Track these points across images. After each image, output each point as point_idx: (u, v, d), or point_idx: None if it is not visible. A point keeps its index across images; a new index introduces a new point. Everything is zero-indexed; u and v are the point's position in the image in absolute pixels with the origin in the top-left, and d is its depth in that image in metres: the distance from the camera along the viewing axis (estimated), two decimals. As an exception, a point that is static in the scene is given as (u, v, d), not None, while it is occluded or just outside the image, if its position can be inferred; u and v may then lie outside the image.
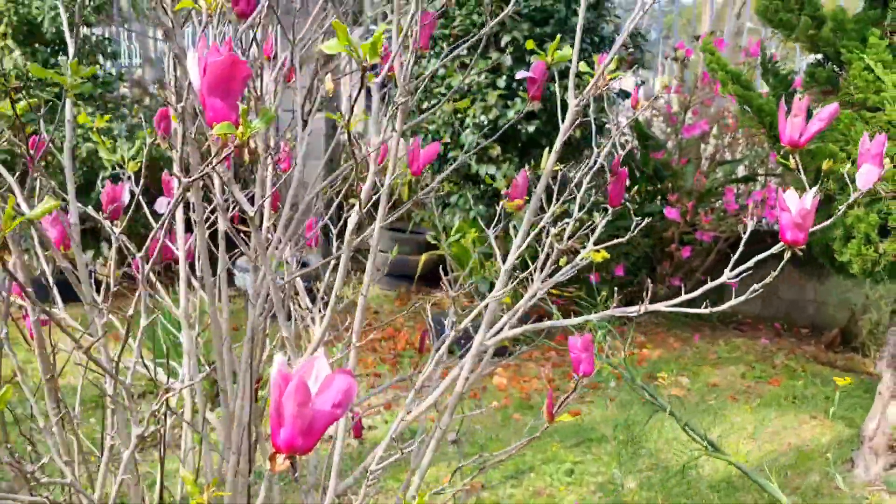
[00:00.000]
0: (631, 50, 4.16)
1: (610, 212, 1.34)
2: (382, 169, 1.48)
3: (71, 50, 1.35)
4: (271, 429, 0.62)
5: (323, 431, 0.62)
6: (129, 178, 1.70)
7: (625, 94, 4.05)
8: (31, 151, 1.57)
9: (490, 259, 4.61)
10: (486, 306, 1.26)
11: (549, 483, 2.62)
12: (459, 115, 3.67)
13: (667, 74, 5.14)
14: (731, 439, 3.04)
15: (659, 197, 4.70)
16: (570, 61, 1.45)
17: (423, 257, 5.07)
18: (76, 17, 1.43)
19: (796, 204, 1.10)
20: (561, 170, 1.43)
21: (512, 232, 1.42)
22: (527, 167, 1.66)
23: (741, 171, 4.85)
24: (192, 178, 0.75)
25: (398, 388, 3.16)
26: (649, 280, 4.42)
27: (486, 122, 3.59)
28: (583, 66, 1.42)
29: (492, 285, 4.24)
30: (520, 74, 1.42)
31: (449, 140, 3.70)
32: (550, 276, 1.32)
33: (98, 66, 4.73)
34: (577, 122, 1.29)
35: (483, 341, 1.25)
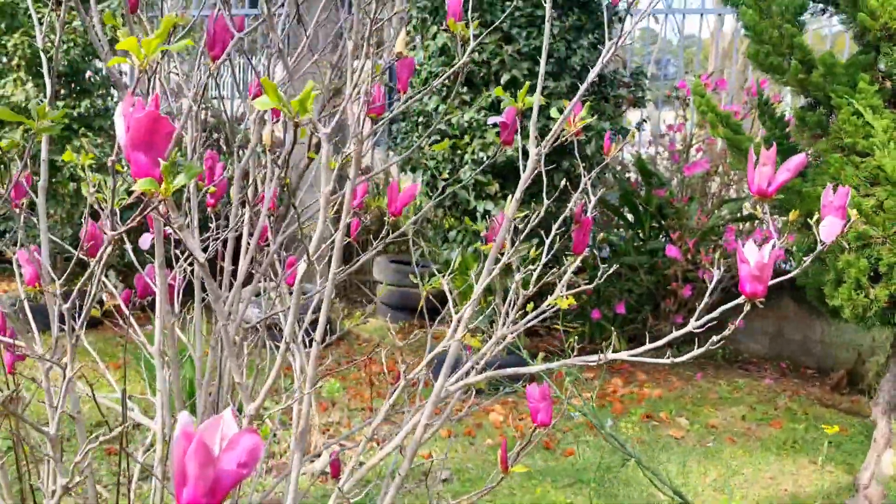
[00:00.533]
0: (632, 89, 4.18)
1: (578, 259, 1.34)
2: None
3: (49, 91, 1.37)
4: (175, 489, 0.62)
5: (228, 491, 0.62)
6: (115, 213, 1.71)
7: (625, 132, 4.06)
8: (20, 184, 1.60)
9: (491, 294, 4.61)
10: (443, 349, 1.26)
11: (537, 526, 2.59)
12: (459, 152, 3.69)
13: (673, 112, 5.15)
14: (726, 482, 2.98)
15: (662, 234, 4.69)
16: (556, 107, 1.46)
17: (425, 290, 5.07)
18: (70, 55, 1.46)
19: (755, 256, 1.10)
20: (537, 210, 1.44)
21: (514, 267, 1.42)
22: (509, 208, 1.66)
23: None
24: (117, 232, 0.76)
25: (394, 421, 3.14)
26: (651, 317, 4.38)
27: (485, 159, 3.61)
28: (554, 113, 1.43)
29: (491, 321, 4.22)
30: (492, 120, 1.43)
31: (448, 175, 3.72)
32: (540, 315, 1.32)
33: (110, 98, 4.82)
34: (539, 159, 1.29)
35: (445, 387, 1.25)
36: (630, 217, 4.84)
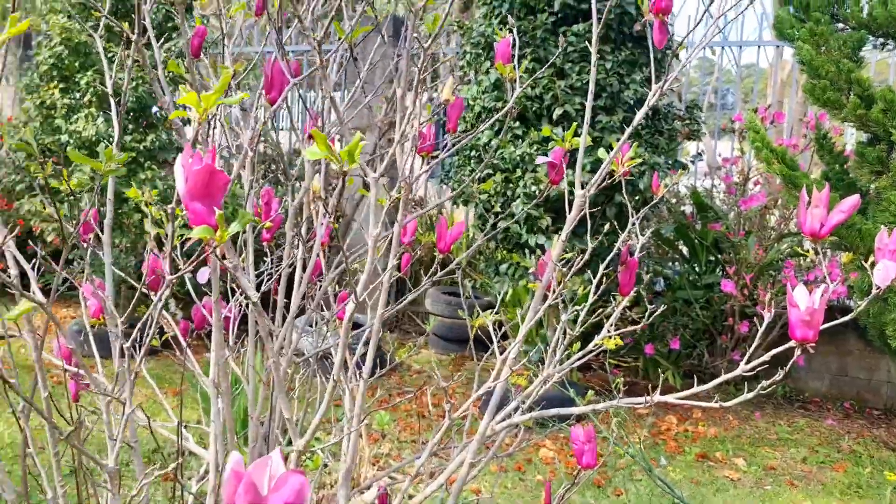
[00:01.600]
0: (687, 122, 4.15)
1: (625, 300, 1.33)
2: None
3: (116, 135, 1.45)
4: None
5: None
6: (174, 252, 1.78)
7: (681, 165, 4.03)
8: (87, 220, 1.68)
9: (541, 327, 4.57)
10: (490, 391, 1.27)
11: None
12: (511, 185, 3.71)
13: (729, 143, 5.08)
14: (785, 529, 2.89)
15: (719, 268, 4.60)
16: (609, 140, 1.47)
17: (477, 322, 5.08)
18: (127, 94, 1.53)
19: (805, 301, 1.08)
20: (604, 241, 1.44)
21: (567, 302, 1.43)
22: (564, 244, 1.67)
23: (808, 243, 4.71)
24: (175, 275, 0.80)
25: (441, 456, 3.14)
26: (708, 353, 4.30)
27: (536, 193, 3.62)
28: (602, 153, 1.43)
29: (541, 359, 4.20)
30: (540, 160, 1.45)
31: (500, 209, 3.74)
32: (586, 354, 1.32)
33: (174, 132, 5.00)
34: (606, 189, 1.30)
35: (491, 426, 1.25)
36: (685, 250, 4.77)
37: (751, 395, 1.14)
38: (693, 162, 4.37)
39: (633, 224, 1.42)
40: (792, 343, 1.15)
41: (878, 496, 3.20)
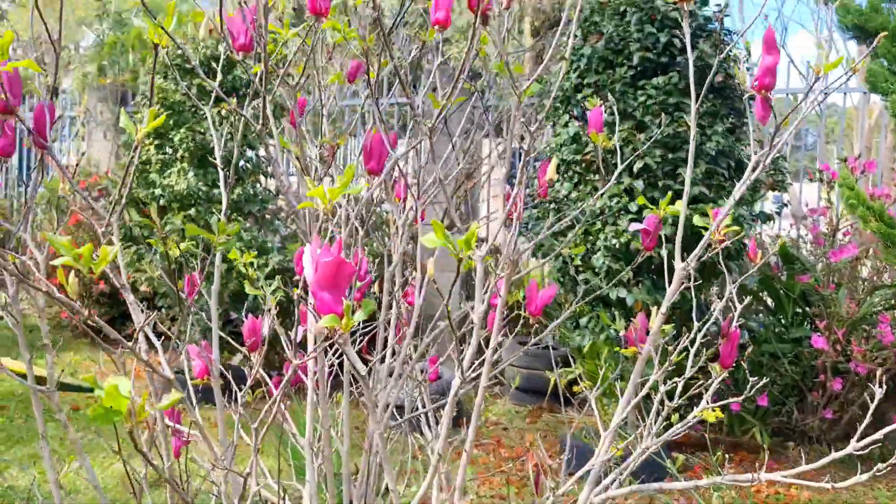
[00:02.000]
0: (772, 172, 4.07)
1: (725, 372, 1.31)
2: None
3: (224, 204, 1.52)
4: None
5: None
6: (269, 310, 1.85)
7: (765, 217, 3.94)
8: (187, 285, 1.76)
9: (621, 380, 4.49)
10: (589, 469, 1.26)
11: None
12: (591, 238, 3.69)
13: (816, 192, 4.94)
14: None
15: (807, 321, 4.44)
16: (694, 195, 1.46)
17: (558, 377, 5.02)
18: (231, 175, 1.62)
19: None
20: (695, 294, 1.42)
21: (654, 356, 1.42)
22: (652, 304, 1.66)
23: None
24: (307, 357, 0.83)
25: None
26: (797, 410, 4.15)
27: (617, 245, 3.59)
28: (698, 220, 1.43)
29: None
30: (633, 227, 1.45)
31: (580, 262, 3.72)
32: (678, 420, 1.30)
33: (259, 184, 5.19)
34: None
35: (589, 500, 1.24)
36: (770, 302, 4.63)
37: (865, 476, 1.10)
38: (778, 213, 4.27)
39: (727, 294, 1.40)
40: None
41: None
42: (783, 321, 4.54)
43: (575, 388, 5.12)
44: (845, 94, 5.04)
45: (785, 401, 4.37)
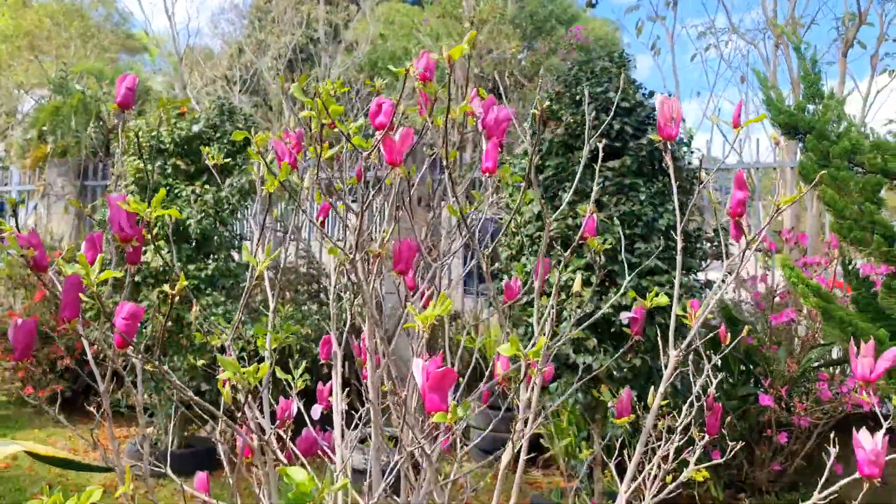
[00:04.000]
0: (716, 244, 4.46)
1: (708, 437, 1.57)
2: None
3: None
4: None
5: None
6: (296, 395, 2.05)
7: (709, 285, 4.30)
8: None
9: (586, 441, 4.74)
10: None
11: None
12: (557, 309, 3.98)
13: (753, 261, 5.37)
14: None
15: (752, 380, 4.80)
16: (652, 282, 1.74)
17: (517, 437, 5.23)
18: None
19: (869, 444, 1.32)
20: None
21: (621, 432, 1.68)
22: (628, 386, 1.92)
23: (836, 352, 4.92)
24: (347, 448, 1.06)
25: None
26: (747, 463, 4.48)
27: (581, 315, 3.88)
28: (679, 311, 1.71)
29: (590, 469, 4.35)
30: (623, 316, 1.73)
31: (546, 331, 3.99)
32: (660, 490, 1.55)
33: (231, 260, 5.35)
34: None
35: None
36: (717, 363, 4.98)
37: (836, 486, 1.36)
38: (724, 280, 4.65)
39: (708, 370, 1.68)
40: (857, 475, 1.38)
41: None
42: (730, 380, 4.89)
43: (542, 444, 5.34)
44: (775, 168, 5.54)
45: (735, 455, 4.68)
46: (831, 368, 4.75)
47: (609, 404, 3.90)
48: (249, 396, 1.35)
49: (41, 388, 5.81)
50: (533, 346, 1.35)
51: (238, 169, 5.09)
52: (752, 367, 4.76)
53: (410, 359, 2.01)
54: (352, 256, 1.78)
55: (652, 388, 1.60)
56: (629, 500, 1.59)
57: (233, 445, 2.24)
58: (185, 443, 5.30)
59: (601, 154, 1.93)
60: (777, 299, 4.77)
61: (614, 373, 4.05)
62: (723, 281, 4.72)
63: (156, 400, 5.04)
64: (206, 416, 5.61)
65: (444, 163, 1.92)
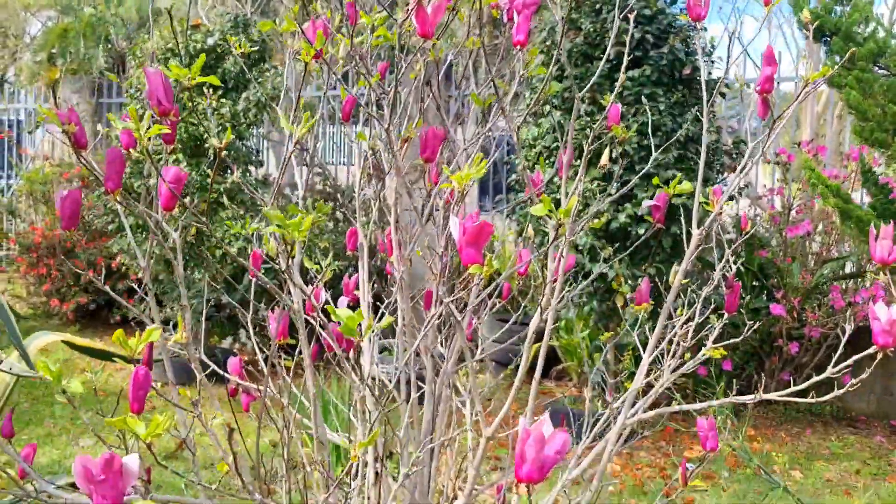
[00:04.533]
0: (735, 156, 4.44)
1: (725, 315, 1.63)
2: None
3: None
4: (515, 467, 0.95)
5: (550, 468, 0.94)
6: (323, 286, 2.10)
7: (728, 197, 4.31)
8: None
9: (599, 352, 4.85)
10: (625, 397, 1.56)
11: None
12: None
13: (768, 175, 5.36)
14: (846, 533, 3.12)
15: (765, 293, 4.85)
16: (663, 177, 1.77)
17: (534, 348, 5.35)
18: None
19: (885, 314, 1.36)
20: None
21: (630, 330, 1.74)
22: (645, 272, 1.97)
23: (848, 267, 4.96)
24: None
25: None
26: (757, 374, 4.61)
27: (598, 226, 3.91)
28: (701, 197, 1.73)
29: (603, 379, 4.46)
30: (646, 203, 1.76)
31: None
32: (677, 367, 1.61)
33: (249, 174, 5.39)
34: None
35: (625, 420, 1.55)
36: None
37: (841, 391, 1.42)
38: (740, 193, 4.66)
39: (727, 261, 1.72)
40: (871, 350, 1.43)
41: (930, 504, 3.42)
42: (743, 294, 4.95)
43: (556, 358, 5.46)
44: (796, 83, 5.46)
45: (745, 366, 4.78)
46: (844, 282, 4.79)
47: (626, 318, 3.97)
48: (290, 262, 1.40)
49: (66, 301, 5.95)
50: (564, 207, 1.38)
51: (254, 82, 5.06)
52: (765, 280, 4.81)
53: (423, 275, 2.05)
54: (380, 144, 1.81)
55: (675, 265, 1.64)
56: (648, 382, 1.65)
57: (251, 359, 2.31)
58: (207, 353, 5.45)
59: (624, 61, 1.92)
60: (794, 213, 4.78)
61: (628, 281, 4.11)
62: (740, 192, 4.70)
63: (178, 310, 5.16)
64: (230, 328, 5.74)
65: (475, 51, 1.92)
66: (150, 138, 1.42)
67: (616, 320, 4.26)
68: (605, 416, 1.59)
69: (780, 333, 4.55)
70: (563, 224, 1.12)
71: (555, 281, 1.85)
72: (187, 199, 4.92)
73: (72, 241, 6.16)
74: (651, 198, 4.03)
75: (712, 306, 1.75)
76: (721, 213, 1.69)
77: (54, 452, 3.84)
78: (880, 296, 4.11)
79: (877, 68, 2.77)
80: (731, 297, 1.58)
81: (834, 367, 1.44)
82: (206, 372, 1.73)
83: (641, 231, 3.93)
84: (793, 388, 1.46)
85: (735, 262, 4.35)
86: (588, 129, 4.01)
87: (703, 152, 1.65)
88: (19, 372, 1.58)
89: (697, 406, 1.52)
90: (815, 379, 1.43)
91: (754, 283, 4.90)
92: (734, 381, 4.85)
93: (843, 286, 4.71)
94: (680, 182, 1.79)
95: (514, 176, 4.71)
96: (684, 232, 1.68)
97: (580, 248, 4.02)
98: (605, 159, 1.77)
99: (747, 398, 1.47)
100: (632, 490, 3.58)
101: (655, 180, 1.83)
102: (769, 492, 3.55)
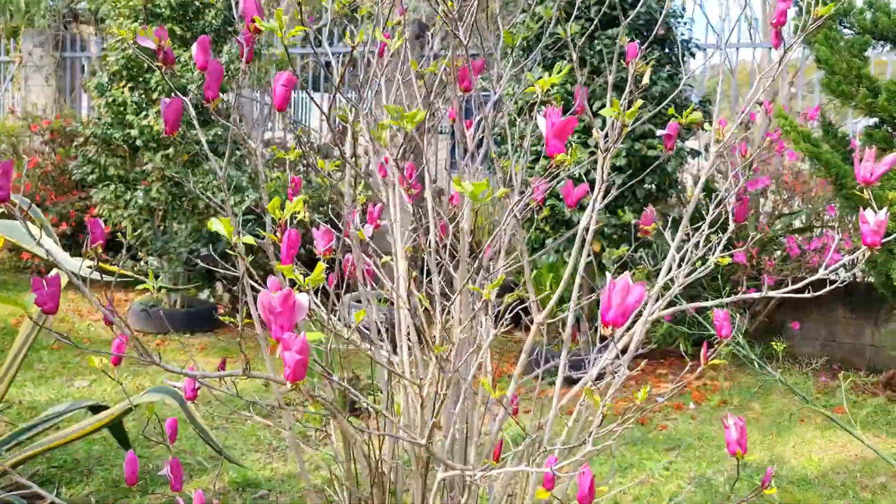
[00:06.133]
0: (704, 113, 4.73)
1: (731, 227, 1.86)
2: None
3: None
4: (602, 313, 1.15)
5: (630, 315, 1.15)
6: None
7: (695, 153, 4.59)
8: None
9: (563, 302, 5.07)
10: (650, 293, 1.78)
11: (650, 475, 3.08)
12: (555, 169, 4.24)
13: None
14: (802, 449, 3.46)
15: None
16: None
17: (507, 299, 5.59)
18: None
19: (873, 217, 1.61)
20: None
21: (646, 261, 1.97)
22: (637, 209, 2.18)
23: (797, 223, 5.33)
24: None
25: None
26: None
27: (577, 175, 4.15)
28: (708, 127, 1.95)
29: (577, 319, 4.71)
30: (660, 132, 1.97)
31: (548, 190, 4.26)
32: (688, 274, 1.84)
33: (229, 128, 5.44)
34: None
35: (649, 314, 1.77)
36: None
37: (826, 289, 1.67)
38: (707, 149, 4.96)
39: (727, 193, 1.95)
40: (861, 252, 1.68)
41: (876, 428, 3.79)
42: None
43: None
44: (752, 48, 5.77)
45: (707, 311, 5.12)
46: (796, 237, 5.15)
47: (603, 260, 4.24)
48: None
49: (36, 256, 5.93)
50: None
51: (235, 35, 5.11)
52: (723, 233, 5.13)
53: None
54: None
55: (691, 181, 1.86)
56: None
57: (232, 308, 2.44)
58: (185, 304, 5.54)
59: (599, 22, 2.13)
60: (752, 171, 5.10)
61: (605, 230, 4.37)
62: (706, 148, 4.98)
63: (161, 262, 5.23)
64: (206, 281, 5.80)
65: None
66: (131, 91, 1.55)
67: (591, 267, 4.52)
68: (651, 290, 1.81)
69: (738, 281, 4.88)
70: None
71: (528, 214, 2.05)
72: (171, 150, 4.98)
73: (41, 195, 6.12)
74: (629, 150, 4.26)
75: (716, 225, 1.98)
76: (724, 138, 1.92)
77: (51, 392, 3.91)
78: (831, 245, 4.46)
79: (842, 27, 3.05)
80: (740, 209, 1.82)
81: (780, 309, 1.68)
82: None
83: (619, 181, 4.17)
84: (792, 287, 1.70)
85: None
86: (568, 85, 4.22)
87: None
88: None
89: (706, 304, 1.75)
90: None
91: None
92: (695, 327, 5.20)
93: (797, 239, 5.07)
94: (650, 149, 2.02)
95: (496, 129, 4.90)
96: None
97: (561, 196, 4.24)
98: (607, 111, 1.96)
99: (756, 295, 1.70)
100: (612, 419, 3.85)
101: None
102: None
